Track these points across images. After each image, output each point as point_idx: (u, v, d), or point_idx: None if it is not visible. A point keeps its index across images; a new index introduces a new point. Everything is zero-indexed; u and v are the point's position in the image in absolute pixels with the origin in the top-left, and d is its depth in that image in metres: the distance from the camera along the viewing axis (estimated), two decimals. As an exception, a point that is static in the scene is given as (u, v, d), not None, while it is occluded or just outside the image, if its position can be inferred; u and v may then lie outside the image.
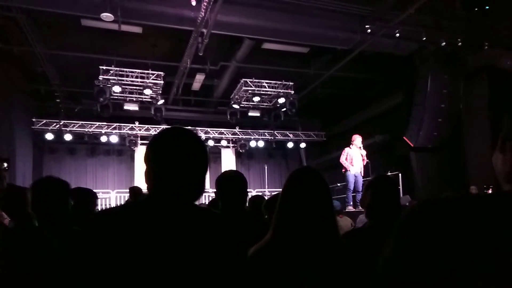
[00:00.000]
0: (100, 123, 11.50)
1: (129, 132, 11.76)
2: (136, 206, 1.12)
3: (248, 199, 2.66)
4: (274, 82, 10.52)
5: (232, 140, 13.25)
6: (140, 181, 9.37)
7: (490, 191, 6.31)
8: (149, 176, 1.08)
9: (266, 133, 13.20)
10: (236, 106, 11.07)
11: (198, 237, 1.01)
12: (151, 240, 0.96)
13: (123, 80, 9.50)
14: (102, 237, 0.97)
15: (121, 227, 0.98)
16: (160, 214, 1.02)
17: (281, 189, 1.43)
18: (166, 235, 0.98)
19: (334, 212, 1.42)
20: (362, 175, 7.61)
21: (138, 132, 11.92)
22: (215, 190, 2.15)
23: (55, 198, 1.82)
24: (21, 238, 1.37)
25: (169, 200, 1.05)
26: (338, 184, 10.52)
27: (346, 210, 7.42)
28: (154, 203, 1.05)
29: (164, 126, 12.07)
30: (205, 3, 6.38)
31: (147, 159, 1.09)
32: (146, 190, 1.11)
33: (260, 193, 10.10)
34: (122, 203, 5.94)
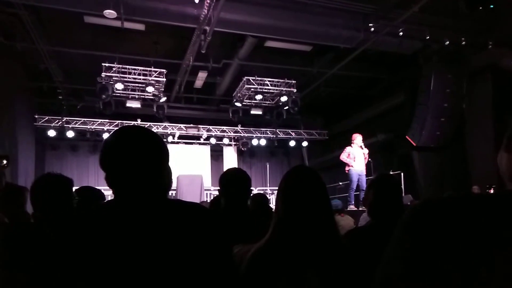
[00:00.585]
0: (102, 120, 11.51)
1: (132, 129, 11.76)
2: (105, 207, 1.10)
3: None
4: (276, 80, 10.51)
5: (234, 138, 13.25)
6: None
7: (492, 191, 6.29)
8: (109, 180, 1.06)
9: (268, 132, 13.19)
10: (238, 104, 11.06)
11: (172, 231, 0.99)
12: (121, 239, 0.95)
13: (125, 77, 9.51)
14: (73, 239, 0.96)
15: (91, 228, 0.97)
16: (129, 213, 1.01)
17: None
18: (137, 233, 0.96)
19: (332, 210, 1.41)
20: (366, 173, 7.60)
21: (140, 129, 11.91)
22: (217, 187, 2.16)
23: (56, 196, 1.79)
24: (18, 234, 1.37)
25: (135, 198, 1.04)
26: (340, 183, 10.51)
27: (348, 209, 7.41)
28: (122, 203, 1.04)
29: (166, 124, 12.09)
30: (208, 1, 6.37)
31: (103, 165, 1.07)
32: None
33: (262, 191, 10.10)
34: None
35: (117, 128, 1.16)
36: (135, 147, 1.06)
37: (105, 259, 0.93)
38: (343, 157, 7.52)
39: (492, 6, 6.39)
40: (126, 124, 1.17)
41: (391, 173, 8.00)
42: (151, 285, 0.93)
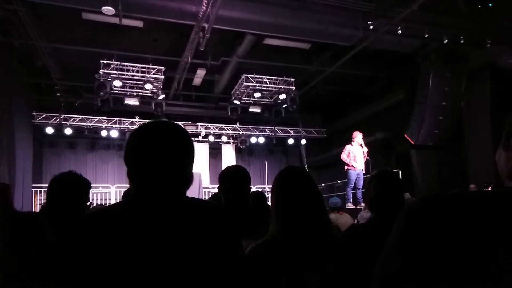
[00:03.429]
0: (100, 117, 11.48)
1: (130, 127, 11.74)
2: (125, 204, 1.07)
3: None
4: (275, 78, 10.50)
5: (232, 136, 13.24)
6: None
7: (490, 189, 6.30)
8: (133, 175, 1.03)
9: (266, 129, 13.18)
10: (237, 101, 11.05)
11: (191, 230, 0.99)
12: (144, 237, 0.94)
13: (123, 75, 9.48)
14: (93, 236, 0.94)
15: (112, 226, 0.96)
16: (149, 210, 0.99)
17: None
18: (158, 231, 0.96)
19: (325, 208, 1.44)
20: (364, 172, 7.61)
21: (139, 127, 11.90)
22: (216, 185, 2.15)
23: (74, 195, 1.77)
24: (18, 224, 1.38)
25: (157, 196, 1.02)
26: (338, 181, 10.53)
27: (346, 207, 7.42)
28: (143, 200, 1.02)
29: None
30: (207, -2, 6.36)
31: (128, 159, 1.04)
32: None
33: (260, 189, 10.10)
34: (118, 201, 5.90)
35: (146, 122, 1.10)
36: (163, 144, 1.03)
37: (126, 255, 0.92)
38: (344, 156, 7.51)
39: (491, 5, 6.39)
40: (156, 120, 1.12)
41: (389, 171, 8.00)
42: (167, 281, 0.93)
